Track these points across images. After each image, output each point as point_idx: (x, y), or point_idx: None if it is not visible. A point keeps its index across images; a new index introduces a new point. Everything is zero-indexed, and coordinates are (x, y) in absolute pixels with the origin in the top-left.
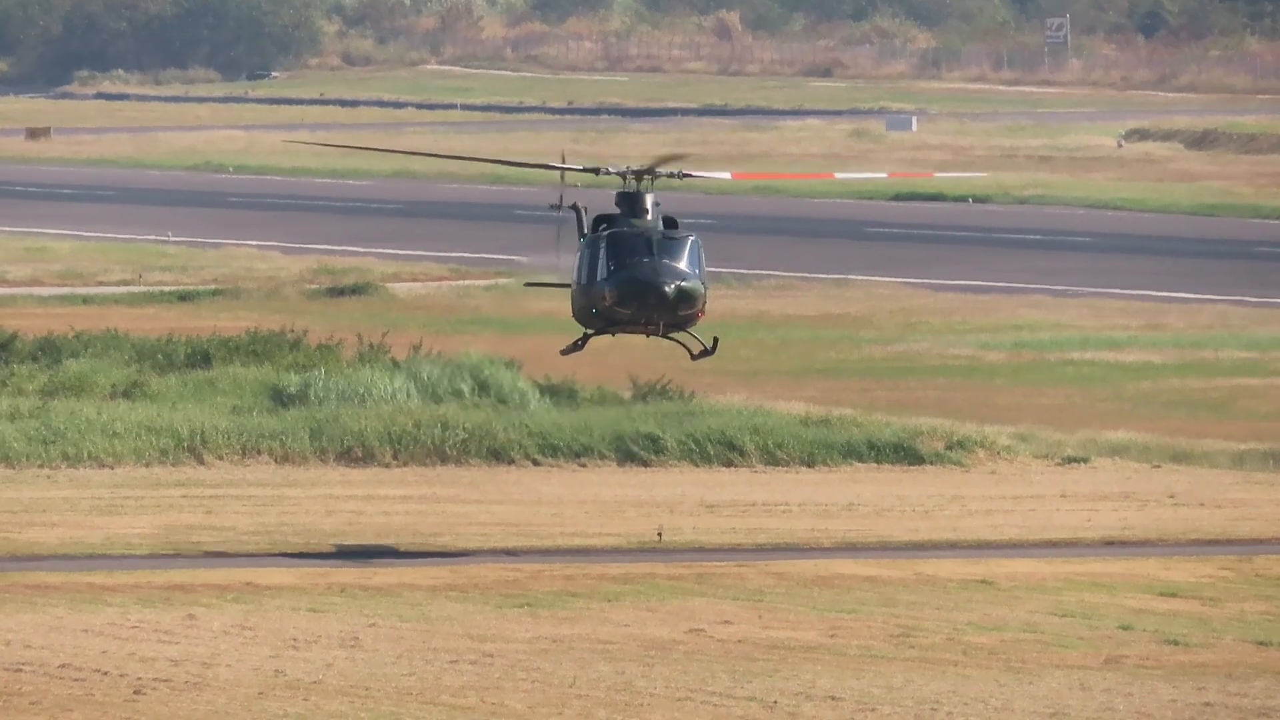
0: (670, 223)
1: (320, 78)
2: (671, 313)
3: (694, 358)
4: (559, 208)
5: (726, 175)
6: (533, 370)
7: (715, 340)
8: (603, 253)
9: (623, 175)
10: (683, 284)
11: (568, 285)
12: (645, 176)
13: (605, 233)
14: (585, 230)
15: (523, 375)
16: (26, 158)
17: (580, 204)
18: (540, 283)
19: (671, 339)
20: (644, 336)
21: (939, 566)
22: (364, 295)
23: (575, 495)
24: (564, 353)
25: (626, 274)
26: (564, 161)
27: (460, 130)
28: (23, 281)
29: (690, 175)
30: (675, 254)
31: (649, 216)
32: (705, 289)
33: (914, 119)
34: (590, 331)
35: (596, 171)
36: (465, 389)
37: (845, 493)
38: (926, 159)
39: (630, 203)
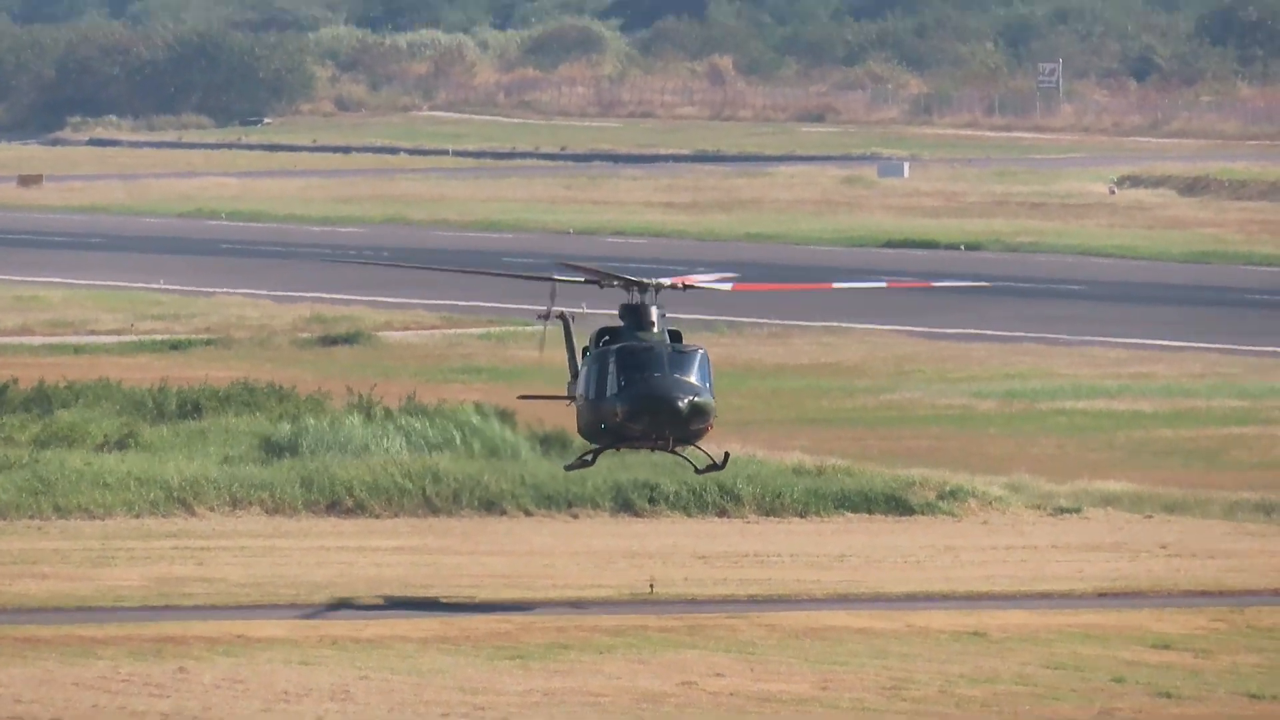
0: (675, 336)
1: (313, 123)
2: (683, 428)
3: (699, 472)
4: (547, 317)
5: (728, 287)
6: (525, 419)
7: (726, 455)
8: (612, 368)
9: (627, 286)
10: (695, 399)
11: (562, 398)
12: (650, 288)
13: (613, 348)
14: (573, 339)
15: (515, 425)
16: (18, 205)
17: (569, 314)
18: (535, 396)
19: (679, 454)
20: (650, 451)
21: (931, 618)
22: (356, 344)
23: (567, 546)
24: (569, 468)
25: (637, 390)
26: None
27: (453, 176)
28: (13, 330)
29: (692, 286)
30: (685, 369)
31: (655, 329)
32: (714, 402)
33: (906, 165)
34: (598, 447)
35: (600, 284)
36: (457, 439)
37: (838, 543)
38: (919, 205)
39: (635, 315)
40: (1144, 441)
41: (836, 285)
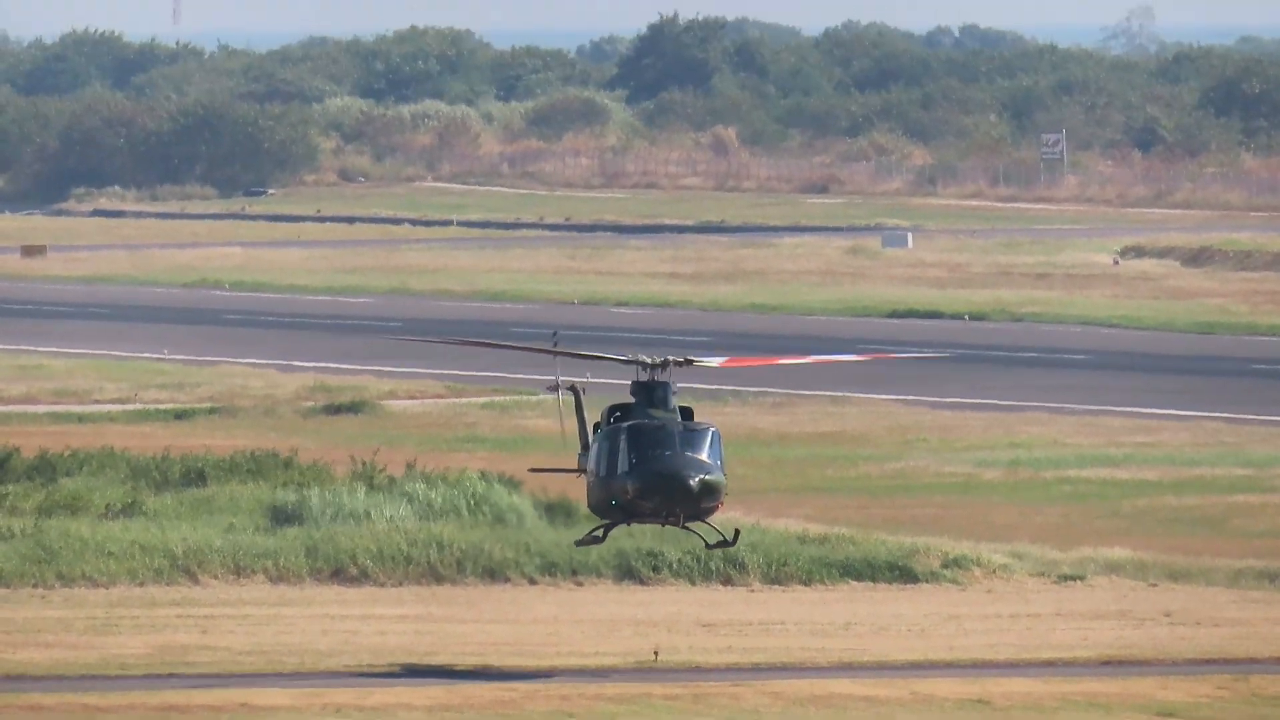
0: (686, 413)
1: (317, 194)
2: (694, 506)
3: (710, 547)
4: (557, 389)
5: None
6: (530, 487)
7: (737, 532)
8: (623, 445)
9: (641, 365)
10: (706, 477)
11: (574, 471)
12: (662, 366)
13: (625, 425)
14: (584, 412)
15: (519, 493)
16: (22, 275)
17: (579, 385)
18: (546, 469)
19: (689, 529)
20: (661, 526)
21: (936, 686)
22: (361, 413)
23: (571, 614)
24: (580, 544)
25: (649, 467)
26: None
27: (457, 246)
28: (18, 399)
29: (693, 363)
30: (697, 447)
31: (667, 407)
32: (725, 480)
33: (910, 235)
34: (608, 523)
35: (627, 361)
36: (463, 506)
37: (842, 611)
38: (923, 276)
39: (647, 393)
40: (1148, 509)
41: (812, 359)
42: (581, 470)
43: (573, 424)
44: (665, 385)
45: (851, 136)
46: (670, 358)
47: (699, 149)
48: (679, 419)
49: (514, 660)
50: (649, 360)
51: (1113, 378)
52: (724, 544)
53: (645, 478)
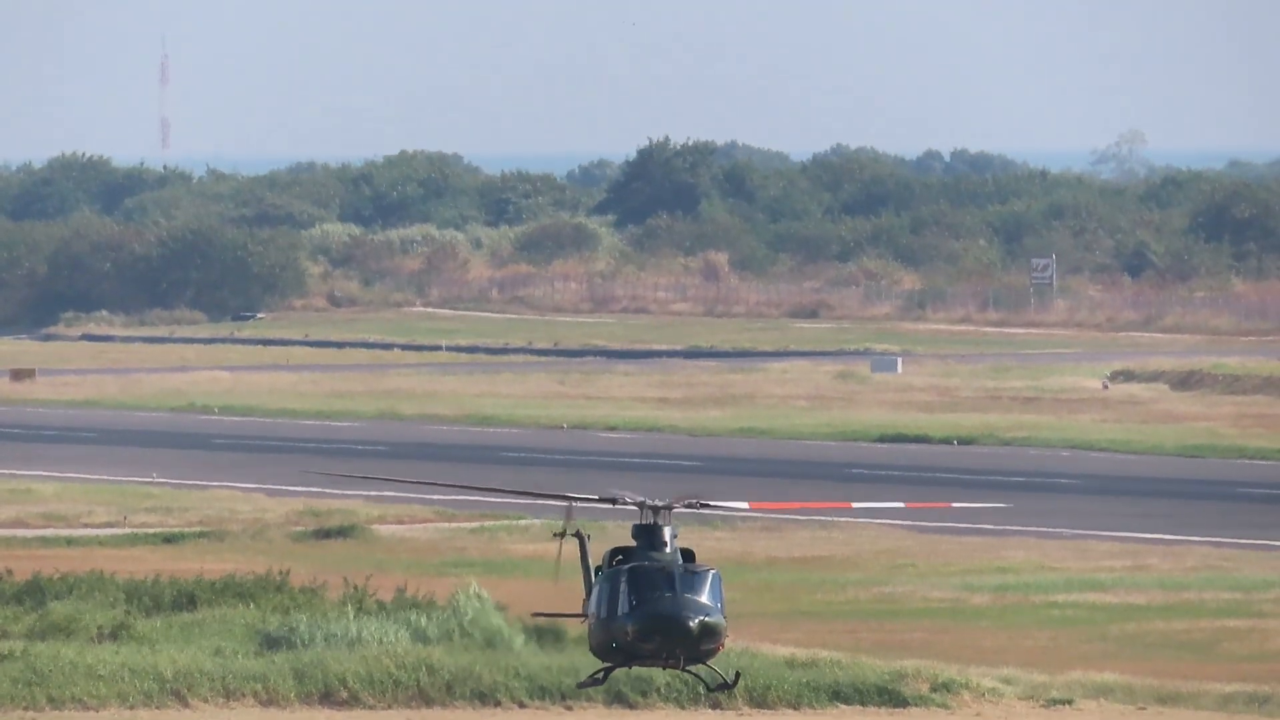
0: (687, 555)
1: (306, 318)
2: (694, 648)
3: (710, 690)
4: (563, 535)
5: (744, 505)
6: (518, 611)
7: (737, 675)
8: (624, 588)
9: (640, 507)
10: (706, 619)
11: (577, 615)
12: (664, 509)
13: (625, 568)
14: (588, 557)
15: (508, 617)
16: (11, 399)
17: (584, 532)
18: (550, 614)
19: (690, 672)
20: (661, 669)
21: None
22: (349, 537)
23: None
24: (581, 686)
25: (649, 609)
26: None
27: (446, 371)
28: (6, 523)
29: (708, 506)
30: (697, 589)
31: (668, 549)
32: (726, 623)
33: (899, 360)
34: (609, 665)
35: (614, 502)
36: (453, 631)
37: None
38: (912, 400)
39: (649, 535)
40: (1137, 634)
41: (855, 505)
42: (586, 616)
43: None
44: (664, 528)
45: (841, 261)
46: (683, 502)
47: (688, 274)
48: (680, 561)
49: None
50: (662, 504)
51: (1101, 502)
52: (724, 687)
53: (645, 619)
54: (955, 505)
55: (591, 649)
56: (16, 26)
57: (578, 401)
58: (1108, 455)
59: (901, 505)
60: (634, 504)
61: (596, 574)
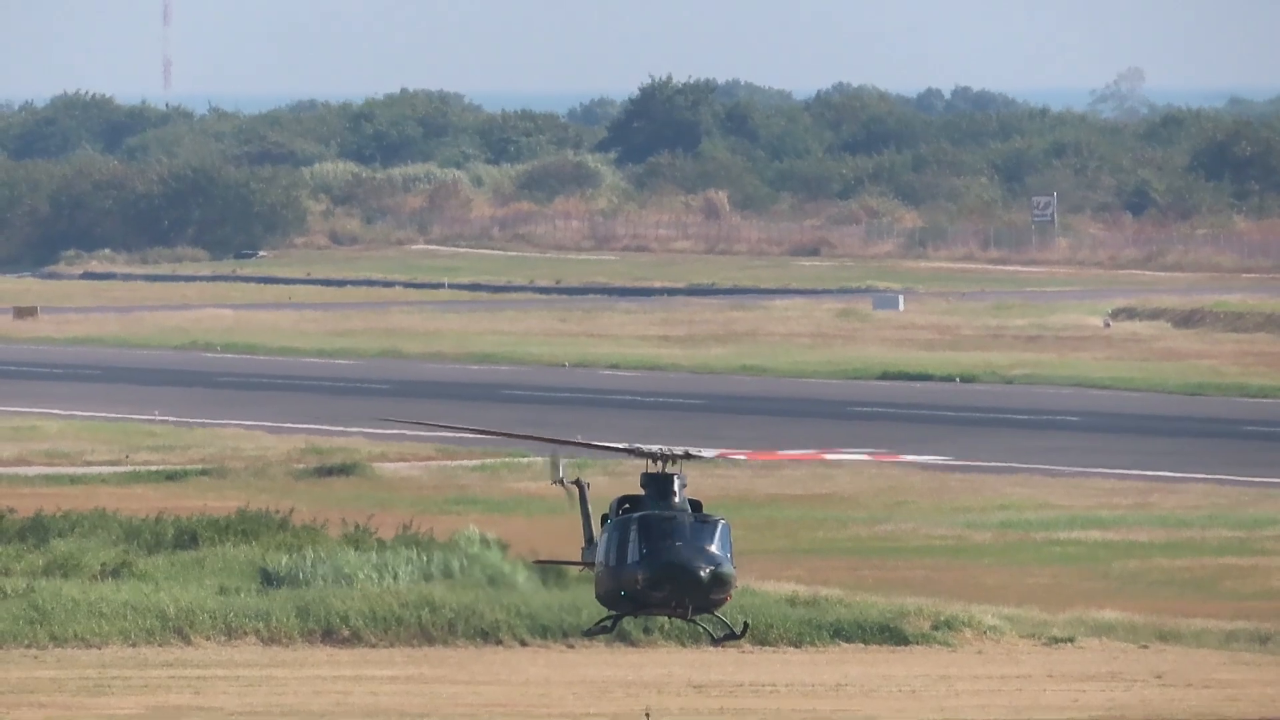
0: (695, 505)
1: (307, 257)
2: (704, 597)
3: (716, 641)
4: (560, 482)
5: (743, 457)
6: (520, 549)
7: (746, 625)
8: (633, 536)
9: (653, 457)
10: (716, 569)
11: (578, 564)
12: (677, 459)
13: (635, 516)
14: (588, 505)
15: (510, 554)
16: (13, 337)
17: (583, 481)
18: (551, 561)
19: (696, 622)
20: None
21: None
22: (351, 475)
23: (563, 676)
24: (588, 634)
25: (660, 559)
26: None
27: (448, 309)
28: (9, 461)
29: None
30: (708, 539)
31: (677, 499)
32: (735, 572)
33: (901, 298)
34: (615, 613)
35: (632, 452)
36: (455, 569)
37: (833, 673)
38: (914, 338)
39: (658, 485)
40: (1139, 571)
41: (827, 456)
42: (586, 564)
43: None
44: (675, 477)
45: (843, 199)
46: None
47: (689, 212)
48: (689, 511)
49: None
50: (671, 453)
51: (1103, 440)
52: (731, 637)
53: (655, 568)
54: (905, 459)
55: (598, 596)
56: None
57: (579, 339)
58: (1110, 393)
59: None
60: (649, 454)
61: (603, 522)
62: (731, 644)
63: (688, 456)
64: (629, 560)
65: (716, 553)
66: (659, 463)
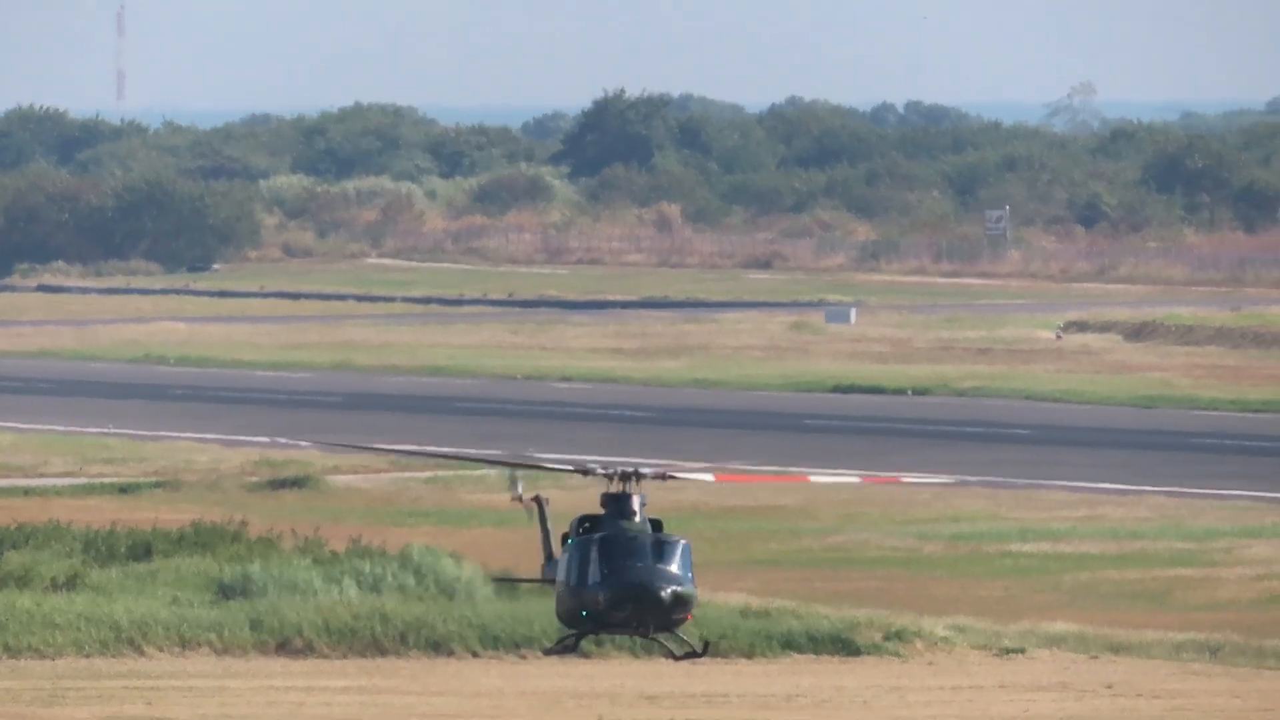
0: (655, 524)
1: (261, 270)
2: (665, 617)
3: (677, 658)
4: (520, 500)
5: (709, 478)
6: (473, 561)
7: (706, 644)
8: (594, 556)
9: (610, 476)
10: (678, 589)
11: (538, 580)
12: (633, 478)
13: (596, 536)
14: (548, 522)
15: (463, 566)
16: None
17: (543, 497)
18: (510, 579)
19: (657, 640)
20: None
21: None
22: (304, 488)
23: (515, 687)
24: (549, 653)
25: (621, 579)
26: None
27: (401, 322)
28: None
29: (674, 477)
30: (668, 558)
31: (637, 518)
32: (696, 592)
33: (853, 310)
34: (575, 632)
35: (585, 472)
36: (408, 581)
37: (784, 684)
38: (866, 351)
39: (618, 504)
40: (1090, 583)
41: (812, 479)
42: (547, 581)
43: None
44: (634, 496)
45: (795, 213)
46: (640, 469)
47: (642, 225)
48: (649, 530)
49: None
50: (632, 472)
51: (1054, 452)
52: (692, 655)
53: (617, 588)
54: (905, 481)
55: (559, 615)
56: None
57: (532, 352)
58: (1061, 405)
59: (858, 480)
60: (605, 474)
61: (564, 542)
62: (695, 661)
63: (668, 478)
64: (590, 580)
65: (677, 572)
66: (619, 482)
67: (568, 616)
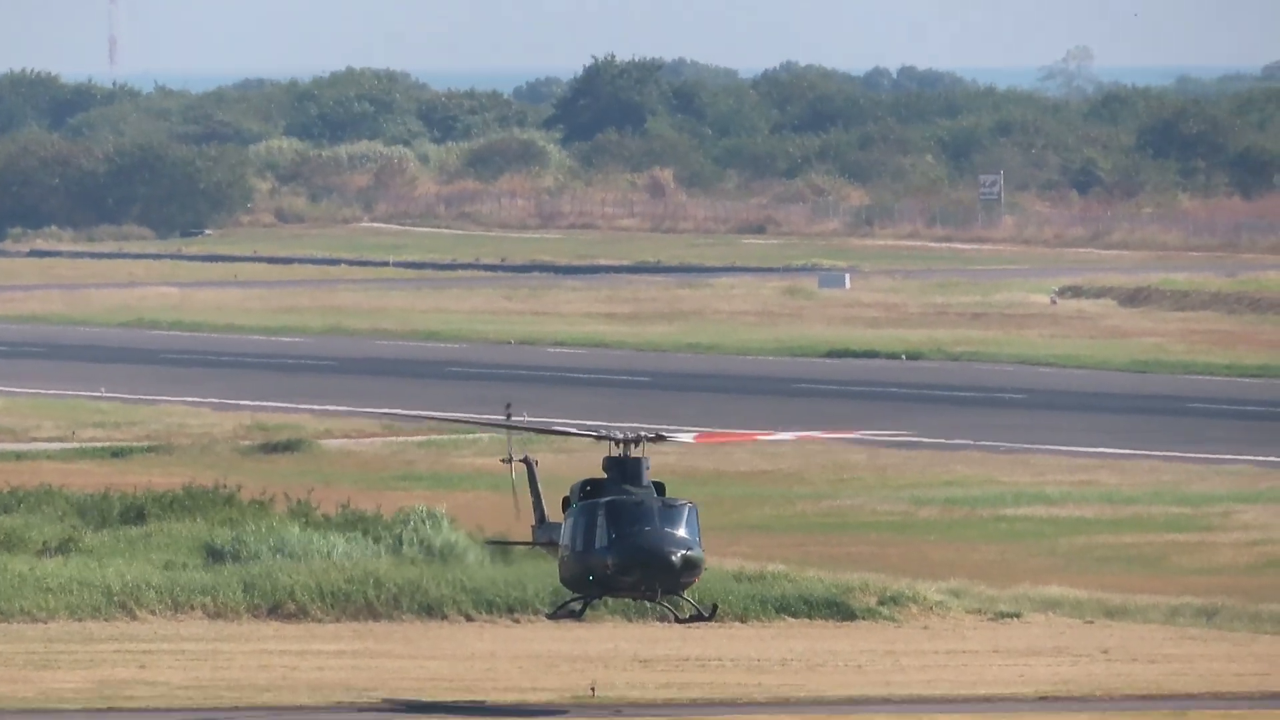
0: (658, 487)
1: (253, 235)
2: (674, 580)
3: (682, 621)
4: (509, 460)
5: (690, 439)
6: (466, 524)
7: (714, 607)
8: (601, 521)
9: (618, 441)
10: (687, 553)
11: (529, 544)
12: (641, 441)
13: (602, 501)
14: (538, 483)
15: (456, 529)
16: None
17: (532, 459)
18: (503, 542)
19: (665, 605)
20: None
21: None
22: (297, 451)
23: (508, 650)
24: (553, 617)
25: (630, 544)
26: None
27: (393, 287)
28: None
29: (662, 438)
30: (676, 523)
31: (643, 483)
32: (704, 555)
33: (847, 276)
34: (580, 597)
35: (599, 437)
36: (403, 544)
37: (778, 648)
38: (860, 316)
39: (622, 469)
40: (1085, 547)
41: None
42: (536, 543)
43: (526, 497)
44: (640, 461)
45: (788, 178)
46: (643, 434)
47: (635, 190)
48: (655, 495)
49: (451, 695)
50: (622, 437)
51: (1049, 417)
52: (699, 618)
53: (625, 553)
54: (856, 435)
55: (563, 580)
56: None
57: (525, 317)
58: (1055, 370)
59: (839, 435)
60: (614, 439)
61: (563, 505)
62: (699, 625)
63: (659, 439)
64: (597, 545)
65: (686, 536)
66: (624, 446)
67: (572, 581)
